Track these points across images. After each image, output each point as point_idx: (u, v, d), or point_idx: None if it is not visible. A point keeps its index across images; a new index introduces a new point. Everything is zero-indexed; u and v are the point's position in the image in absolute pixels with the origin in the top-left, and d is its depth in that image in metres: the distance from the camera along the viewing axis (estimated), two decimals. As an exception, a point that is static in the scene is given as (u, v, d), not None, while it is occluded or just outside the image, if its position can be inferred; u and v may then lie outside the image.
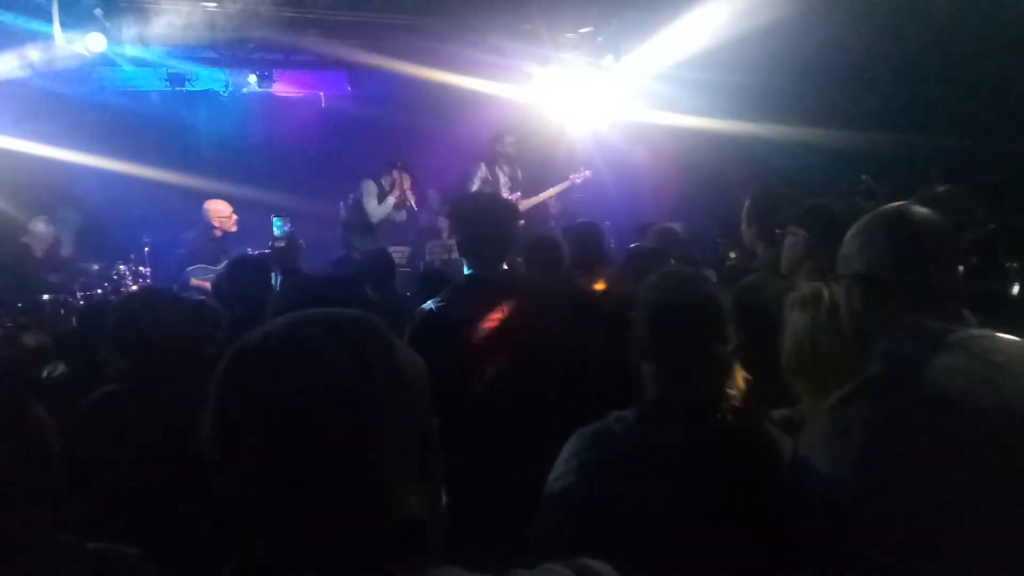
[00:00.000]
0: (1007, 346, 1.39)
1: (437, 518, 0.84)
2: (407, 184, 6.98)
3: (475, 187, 7.10)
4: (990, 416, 1.30)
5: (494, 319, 2.39)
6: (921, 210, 1.52)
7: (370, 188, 6.92)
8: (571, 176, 7.35)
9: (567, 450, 1.54)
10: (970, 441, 1.29)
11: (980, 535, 1.25)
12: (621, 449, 1.48)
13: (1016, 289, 2.60)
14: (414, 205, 7.11)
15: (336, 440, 0.74)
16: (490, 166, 7.19)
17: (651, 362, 1.58)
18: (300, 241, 5.10)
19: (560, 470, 1.52)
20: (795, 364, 1.87)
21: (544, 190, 7.37)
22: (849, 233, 1.58)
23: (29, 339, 3.99)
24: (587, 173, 7.32)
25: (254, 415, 0.75)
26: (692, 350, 1.53)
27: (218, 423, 0.77)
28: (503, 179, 7.26)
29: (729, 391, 1.52)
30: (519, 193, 7.22)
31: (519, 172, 7.41)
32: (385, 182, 6.94)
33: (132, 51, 6.28)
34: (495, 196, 4.92)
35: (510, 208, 2.89)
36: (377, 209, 6.87)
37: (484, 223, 2.59)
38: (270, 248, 4.38)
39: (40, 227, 6.54)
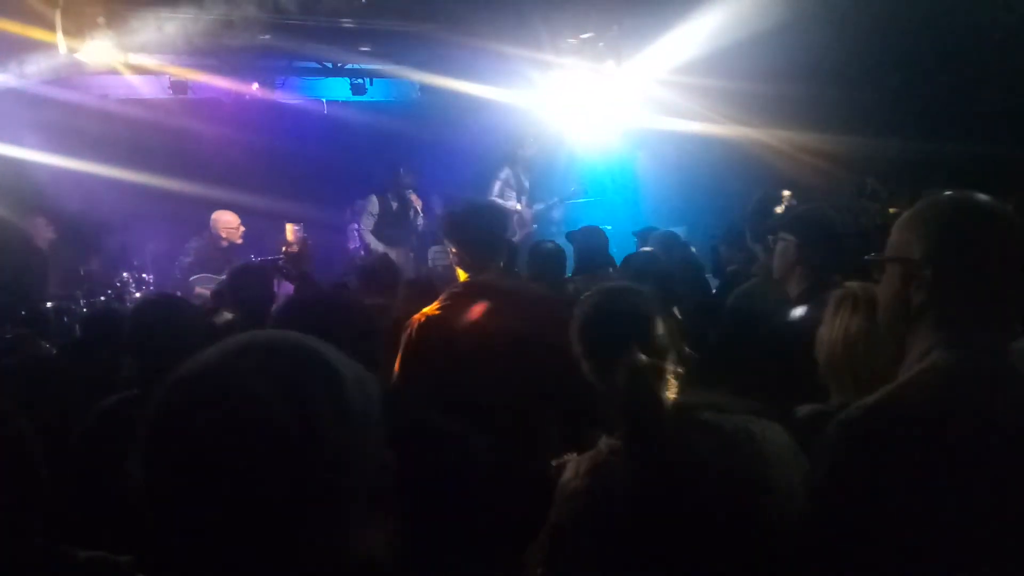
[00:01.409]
0: None
1: (393, 553, 0.78)
2: (415, 200, 7.14)
3: (496, 188, 7.21)
4: None
5: (492, 324, 2.39)
6: (988, 198, 1.35)
7: (372, 207, 7.06)
8: (574, 185, 7.42)
9: (568, 486, 1.49)
10: (1004, 474, 1.17)
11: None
12: (618, 477, 1.44)
13: None
14: (421, 212, 7.23)
15: (271, 489, 0.68)
16: (513, 169, 7.27)
17: (599, 383, 1.57)
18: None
19: (563, 510, 1.48)
20: (845, 362, 1.81)
21: (547, 195, 7.41)
22: (905, 216, 1.40)
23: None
24: (590, 181, 7.37)
25: (181, 465, 0.70)
26: (619, 361, 1.50)
27: (147, 465, 0.71)
28: (523, 183, 7.36)
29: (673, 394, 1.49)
30: (525, 199, 7.28)
31: (530, 178, 7.49)
32: (392, 199, 7.03)
33: (135, 59, 6.29)
34: (486, 201, 4.97)
35: (502, 212, 2.89)
36: (368, 234, 7.02)
37: (475, 228, 2.59)
38: (283, 254, 4.36)
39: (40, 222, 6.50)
